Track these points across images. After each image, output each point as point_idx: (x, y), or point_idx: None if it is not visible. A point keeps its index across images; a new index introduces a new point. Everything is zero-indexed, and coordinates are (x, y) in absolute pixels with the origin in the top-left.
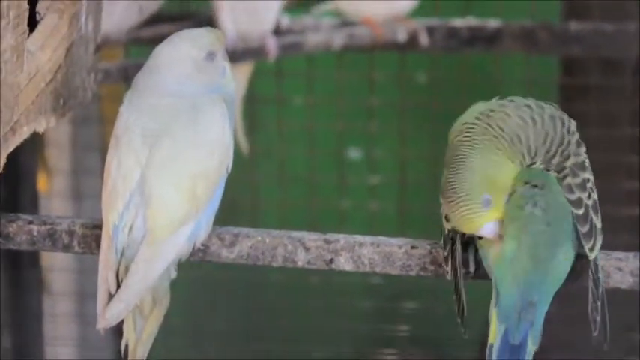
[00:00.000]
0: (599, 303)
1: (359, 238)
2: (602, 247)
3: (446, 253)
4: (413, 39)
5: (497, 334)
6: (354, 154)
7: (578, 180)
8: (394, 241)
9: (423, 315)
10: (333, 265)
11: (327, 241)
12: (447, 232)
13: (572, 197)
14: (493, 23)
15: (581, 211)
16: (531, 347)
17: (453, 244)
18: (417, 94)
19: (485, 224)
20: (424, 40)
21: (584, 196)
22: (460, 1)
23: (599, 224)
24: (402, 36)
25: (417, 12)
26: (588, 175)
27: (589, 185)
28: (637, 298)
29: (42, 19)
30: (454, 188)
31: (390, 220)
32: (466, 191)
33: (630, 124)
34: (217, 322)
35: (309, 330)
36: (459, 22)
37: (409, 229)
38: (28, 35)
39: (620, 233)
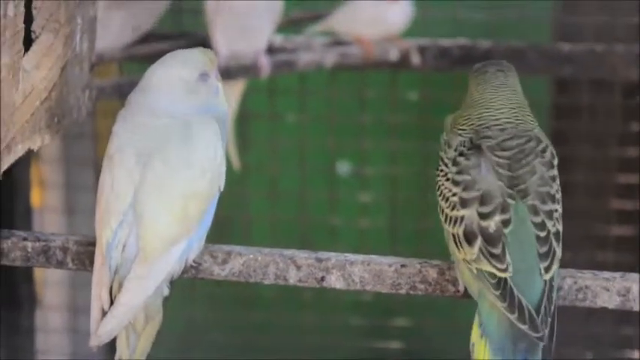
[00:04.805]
0: (549, 320)
1: (350, 256)
2: (593, 266)
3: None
4: (405, 58)
5: None
6: (346, 171)
7: (546, 208)
8: (384, 259)
9: (414, 332)
10: (324, 283)
11: (319, 260)
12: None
13: (537, 220)
14: (484, 43)
15: (543, 234)
16: None
17: None
18: (408, 112)
19: None
20: (416, 59)
21: (550, 224)
22: (451, 23)
23: (559, 252)
24: (394, 55)
25: (409, 32)
26: (557, 206)
27: (556, 215)
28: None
29: (37, 38)
30: None
31: (381, 237)
32: None
33: (620, 144)
34: (210, 336)
35: (302, 346)
36: (449, 42)
37: (400, 245)
38: (24, 54)
39: (609, 252)
